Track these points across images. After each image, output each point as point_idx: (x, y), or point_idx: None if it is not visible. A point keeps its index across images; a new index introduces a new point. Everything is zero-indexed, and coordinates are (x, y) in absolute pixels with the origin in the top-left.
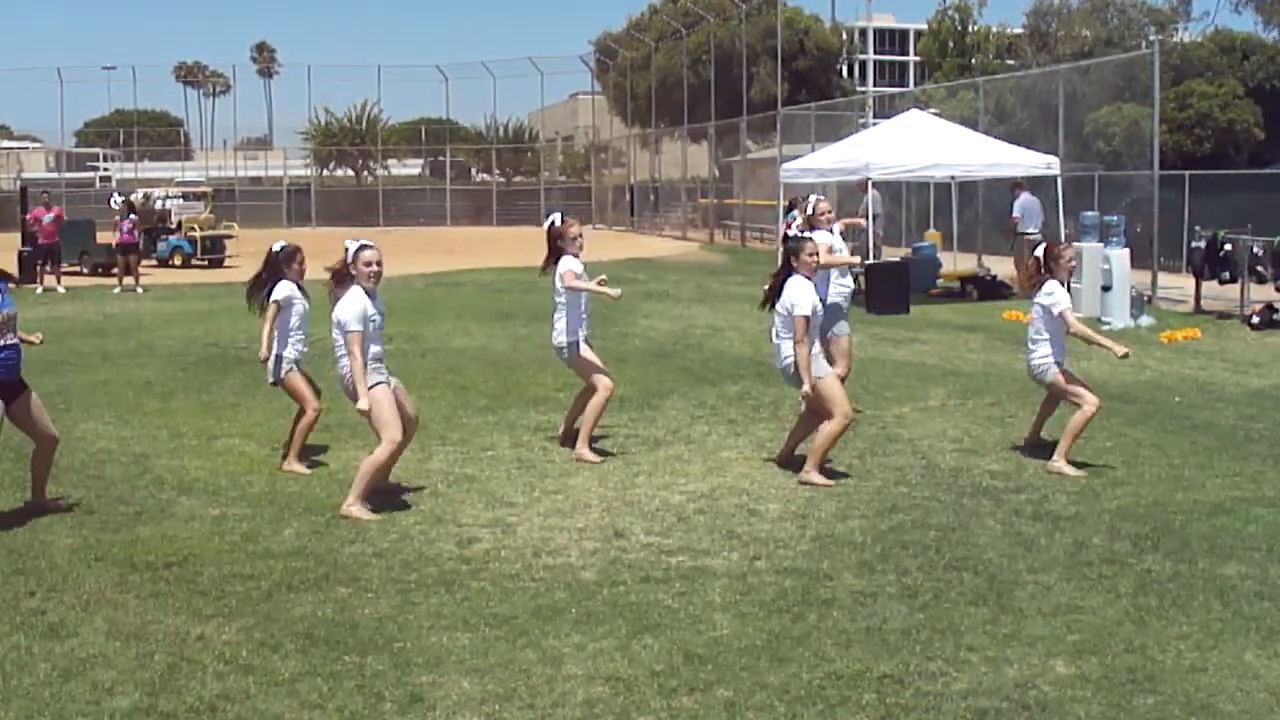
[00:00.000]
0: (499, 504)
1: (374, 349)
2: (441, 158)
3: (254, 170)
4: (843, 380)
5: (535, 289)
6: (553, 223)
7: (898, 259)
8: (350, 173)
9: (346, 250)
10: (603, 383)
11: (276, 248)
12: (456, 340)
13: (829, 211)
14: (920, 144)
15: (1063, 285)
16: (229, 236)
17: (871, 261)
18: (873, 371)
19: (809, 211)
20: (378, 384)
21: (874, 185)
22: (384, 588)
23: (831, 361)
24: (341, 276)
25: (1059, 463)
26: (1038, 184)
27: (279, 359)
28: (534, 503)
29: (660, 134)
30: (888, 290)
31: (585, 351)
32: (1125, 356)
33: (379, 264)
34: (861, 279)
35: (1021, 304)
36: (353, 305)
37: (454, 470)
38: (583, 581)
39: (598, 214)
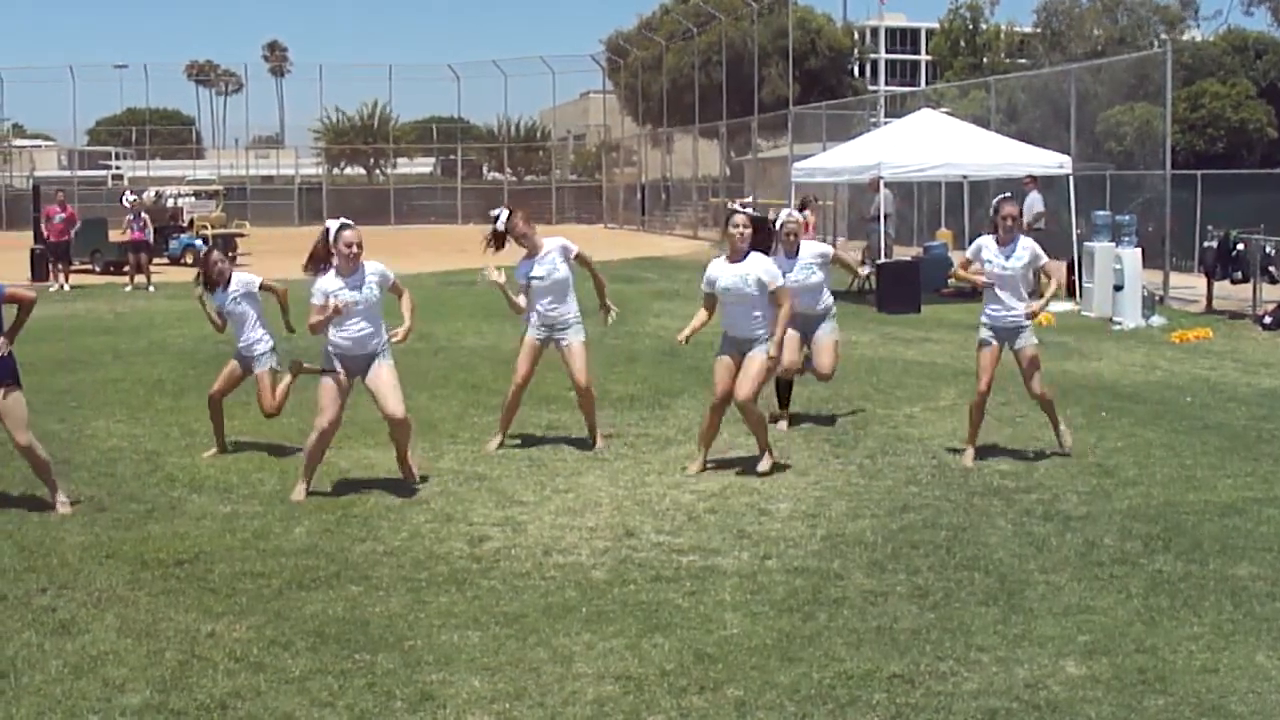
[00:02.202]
0: (509, 503)
1: (339, 335)
2: (453, 156)
3: (265, 169)
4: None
5: None
6: (499, 220)
7: (909, 258)
8: (361, 171)
9: (327, 231)
10: (515, 377)
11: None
12: (468, 339)
13: (794, 233)
14: (932, 143)
15: (997, 240)
16: (240, 235)
17: (883, 261)
18: (883, 371)
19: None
20: (327, 371)
21: (885, 184)
22: (394, 586)
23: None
24: (319, 259)
25: (967, 451)
26: (1050, 184)
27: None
28: (544, 501)
29: (671, 133)
30: (899, 289)
31: (526, 339)
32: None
33: (358, 245)
34: (873, 278)
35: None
36: (317, 283)
37: (465, 469)
38: (593, 580)
39: (609, 213)
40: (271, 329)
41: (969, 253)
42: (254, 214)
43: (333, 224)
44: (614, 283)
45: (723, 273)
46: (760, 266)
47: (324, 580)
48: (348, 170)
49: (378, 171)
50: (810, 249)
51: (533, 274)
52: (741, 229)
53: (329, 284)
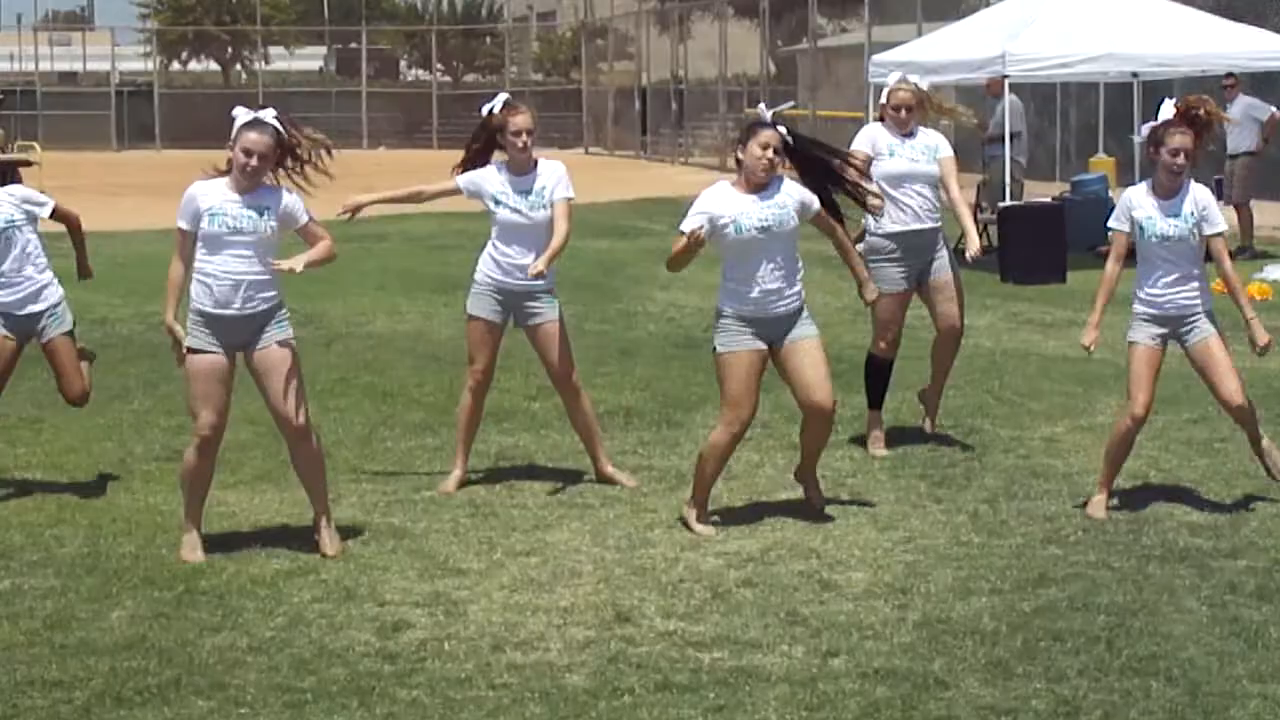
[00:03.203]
0: (441, 571)
1: (211, 284)
2: (354, 45)
3: (65, 62)
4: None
5: None
6: (490, 110)
7: (1048, 200)
8: (214, 67)
9: (234, 123)
10: (470, 373)
11: None
12: (377, 322)
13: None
14: (1083, 24)
15: (1154, 188)
16: (24, 163)
17: (1008, 204)
18: (1010, 371)
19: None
20: (197, 351)
21: (1012, 88)
22: (265, 699)
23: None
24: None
25: (1095, 499)
26: (1266, 84)
27: None
28: (494, 569)
29: (688, 9)
30: (1033, 247)
31: (469, 314)
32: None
33: (260, 154)
34: (993, 230)
35: (1245, 265)
36: (186, 198)
37: (373, 519)
38: (568, 689)
39: (592, 132)
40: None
41: (1116, 216)
42: (48, 131)
43: (240, 114)
44: (602, 238)
45: (743, 207)
46: (797, 187)
47: (155, 691)
48: (193, 65)
49: (239, 68)
50: (928, 134)
51: (511, 202)
52: (768, 156)
53: (209, 200)
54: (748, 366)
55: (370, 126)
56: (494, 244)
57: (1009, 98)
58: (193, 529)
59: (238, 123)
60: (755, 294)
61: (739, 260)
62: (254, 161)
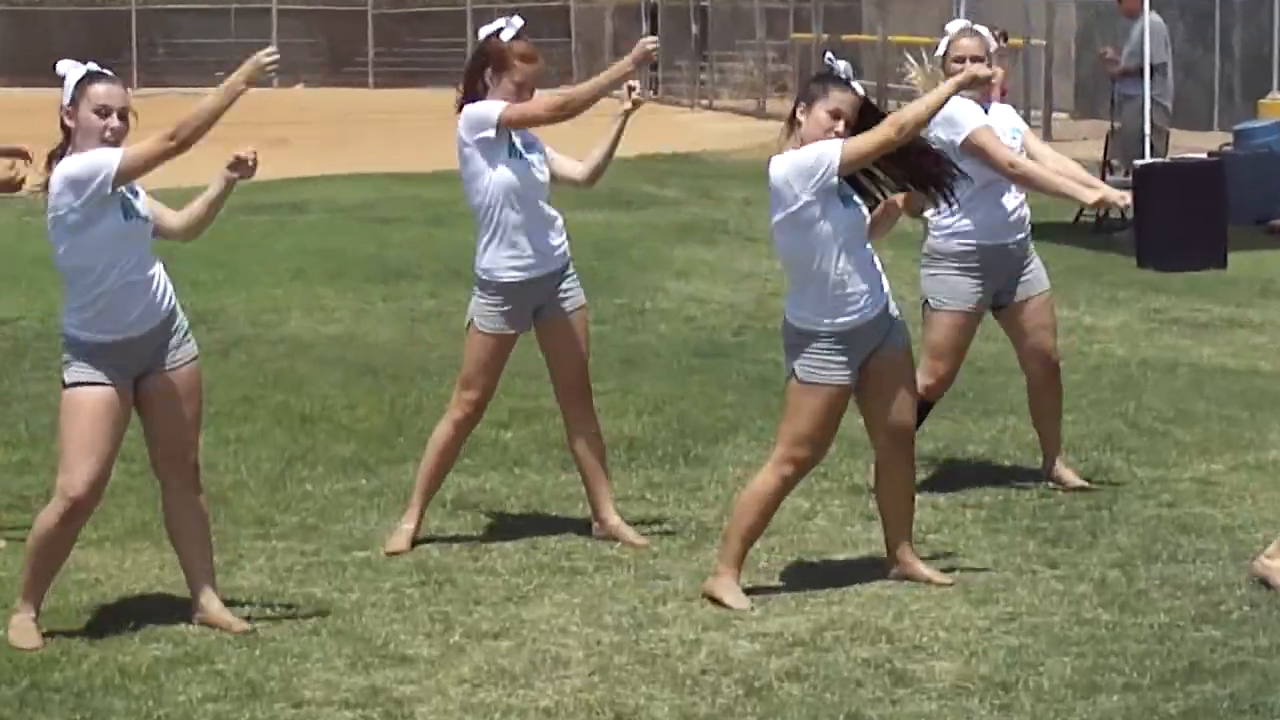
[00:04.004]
0: (380, 659)
1: (113, 298)
2: None
3: None
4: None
5: (452, 217)
6: (497, 32)
7: (1202, 156)
8: None
9: (63, 85)
10: (460, 401)
11: None
12: (293, 321)
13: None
14: None
15: None
16: None
17: (1147, 161)
18: (1150, 388)
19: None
20: (80, 384)
21: (1154, 5)
22: None
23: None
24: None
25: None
26: None
27: None
28: (452, 656)
29: None
30: (1182, 220)
31: (479, 329)
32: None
33: (121, 113)
34: (1126, 200)
35: None
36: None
37: (286, 589)
38: None
39: (585, 64)
40: None
41: None
42: None
43: (71, 70)
44: (597, 209)
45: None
46: None
47: None
48: None
49: None
50: (1006, 113)
51: (534, 159)
52: (837, 129)
53: (103, 168)
54: (836, 401)
55: (284, 58)
56: (508, 227)
57: (1149, 17)
58: (31, 608)
59: (70, 80)
60: (859, 300)
61: (842, 253)
62: (115, 121)
